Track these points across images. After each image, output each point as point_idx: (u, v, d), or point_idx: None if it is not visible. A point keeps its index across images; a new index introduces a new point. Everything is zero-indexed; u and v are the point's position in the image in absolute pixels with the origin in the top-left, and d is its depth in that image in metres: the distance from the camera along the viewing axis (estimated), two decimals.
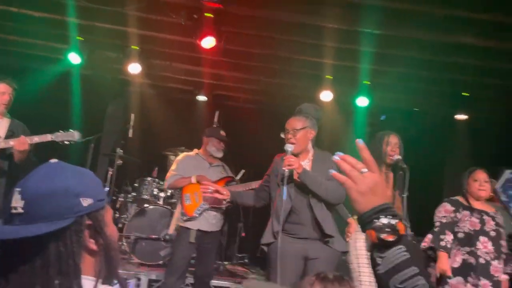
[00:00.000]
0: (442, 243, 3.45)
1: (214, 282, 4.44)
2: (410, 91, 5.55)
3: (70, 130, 3.37)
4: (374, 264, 0.91)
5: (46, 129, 3.43)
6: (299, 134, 2.99)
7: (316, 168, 3.00)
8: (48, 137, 3.33)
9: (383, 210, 0.92)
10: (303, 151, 3.05)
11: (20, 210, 0.94)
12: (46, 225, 0.94)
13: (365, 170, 0.95)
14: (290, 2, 3.99)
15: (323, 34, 4.31)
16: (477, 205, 3.54)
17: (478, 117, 5.57)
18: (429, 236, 3.51)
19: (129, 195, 5.32)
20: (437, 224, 3.52)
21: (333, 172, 1.01)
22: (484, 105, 5.54)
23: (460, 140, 5.77)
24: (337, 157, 0.98)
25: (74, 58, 5.03)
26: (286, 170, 2.85)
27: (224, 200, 3.30)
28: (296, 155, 2.98)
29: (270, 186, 3.13)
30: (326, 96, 5.40)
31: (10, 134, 3.42)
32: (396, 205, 3.31)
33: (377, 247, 0.91)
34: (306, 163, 3.03)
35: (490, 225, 3.46)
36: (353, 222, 3.33)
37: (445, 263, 3.40)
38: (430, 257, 3.49)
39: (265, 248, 3.01)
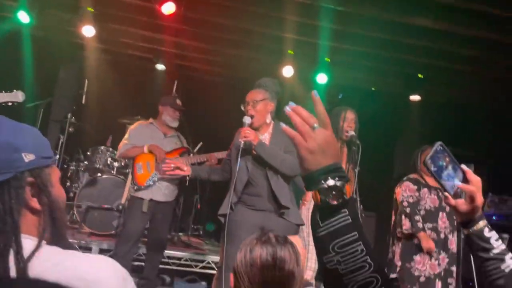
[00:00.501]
0: (420, 225, 3.54)
1: (167, 252, 4.45)
2: (368, 70, 5.64)
3: (14, 90, 3.17)
4: (315, 226, 0.85)
5: None
6: (258, 105, 3.01)
7: (275, 140, 3.04)
8: None
9: (332, 170, 0.85)
10: (263, 124, 3.08)
11: None
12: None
13: (317, 126, 0.87)
14: None
15: (285, 7, 4.27)
16: (431, 182, 3.67)
17: (431, 99, 5.77)
18: (405, 221, 3.56)
19: (81, 164, 5.17)
20: (405, 204, 3.59)
21: (284, 126, 0.93)
22: (438, 87, 5.74)
23: (412, 120, 5.97)
24: (288, 108, 0.90)
25: (23, 16, 4.70)
26: (242, 142, 2.89)
27: (186, 176, 3.25)
28: (256, 128, 3.01)
29: (231, 160, 3.14)
30: (287, 71, 5.40)
31: None
32: (349, 181, 3.42)
33: (320, 210, 0.85)
34: (265, 136, 3.06)
35: (445, 201, 3.63)
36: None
37: (429, 241, 3.50)
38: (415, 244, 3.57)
39: (221, 219, 3.04)
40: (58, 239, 1.00)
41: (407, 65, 5.31)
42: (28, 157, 0.95)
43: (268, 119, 3.10)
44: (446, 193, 1.16)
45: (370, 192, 4.71)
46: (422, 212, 3.60)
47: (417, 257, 3.53)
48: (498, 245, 1.12)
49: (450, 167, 1.16)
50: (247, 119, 2.97)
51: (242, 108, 3.08)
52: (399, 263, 3.57)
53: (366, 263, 0.82)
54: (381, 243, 5.70)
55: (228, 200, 2.98)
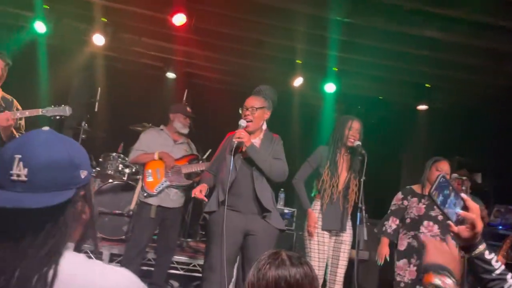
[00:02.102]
0: (383, 228, 3.78)
1: (176, 257, 4.52)
2: (376, 80, 5.70)
3: (63, 105, 3.37)
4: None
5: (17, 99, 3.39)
6: (257, 112, 3.15)
7: (264, 146, 3.17)
8: (38, 111, 3.34)
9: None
10: (257, 130, 3.20)
11: (24, 178, 0.93)
12: (51, 195, 0.95)
13: None
14: None
15: (294, 19, 4.35)
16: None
17: (438, 108, 5.81)
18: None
19: (93, 170, 5.28)
20: (388, 212, 3.81)
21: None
22: (445, 96, 5.78)
23: (419, 129, 6.00)
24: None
25: (40, 27, 4.85)
26: (235, 142, 3.00)
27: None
28: (250, 132, 3.14)
29: (218, 159, 3.26)
30: (297, 81, 5.50)
31: (1, 110, 3.35)
32: (351, 188, 3.49)
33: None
34: (256, 141, 3.18)
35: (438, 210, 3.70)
36: (312, 212, 3.47)
37: (382, 248, 3.69)
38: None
39: (207, 216, 3.12)
40: (92, 241, 1.09)
41: (415, 75, 5.36)
42: (83, 174, 1.02)
43: (263, 125, 3.23)
44: (449, 222, 1.22)
45: (377, 202, 4.76)
46: (408, 221, 3.75)
47: (399, 263, 3.67)
48: (498, 266, 1.19)
49: (452, 196, 1.22)
50: (243, 122, 3.10)
51: (240, 111, 3.21)
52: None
53: None
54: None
55: (216, 198, 3.06)
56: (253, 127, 3.14)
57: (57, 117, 3.37)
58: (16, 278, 0.90)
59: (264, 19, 4.52)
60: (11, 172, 0.94)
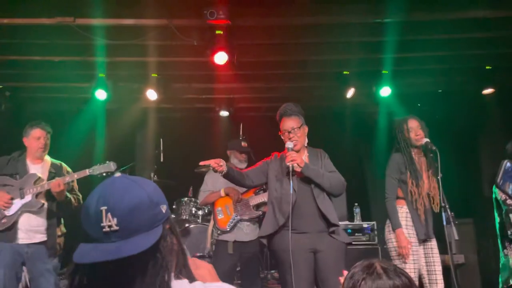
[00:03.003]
0: None
1: None
2: (432, 73, 5.47)
3: (107, 162, 3.53)
4: None
5: (84, 166, 3.62)
6: (299, 132, 3.14)
7: (313, 162, 3.15)
8: (86, 172, 3.53)
9: None
10: (301, 149, 3.18)
11: (116, 227, 0.98)
12: (144, 237, 1.00)
13: None
14: (296, 6, 4.02)
15: (338, 31, 4.33)
16: None
17: (505, 88, 5.42)
18: None
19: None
20: (509, 202, 3.43)
21: None
22: (509, 75, 5.39)
23: (491, 113, 5.61)
24: None
25: (101, 94, 5.19)
26: (291, 166, 2.95)
27: (221, 172, 3.11)
28: (297, 151, 3.11)
29: (268, 177, 3.20)
30: (349, 92, 5.40)
31: (53, 175, 3.61)
32: (433, 185, 3.29)
33: None
34: (304, 159, 3.13)
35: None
36: (402, 233, 3.24)
37: None
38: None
39: (264, 241, 3.06)
40: (183, 270, 1.13)
41: (472, 60, 5.08)
42: (163, 208, 1.08)
43: (306, 142, 3.22)
44: None
45: (461, 197, 4.45)
46: None
47: None
48: None
49: None
50: (290, 144, 3.07)
51: (282, 136, 3.18)
52: None
53: None
54: (485, 249, 5.29)
55: (272, 221, 3.02)
56: (298, 147, 3.13)
57: (104, 174, 3.51)
58: None
59: (303, 39, 4.53)
60: (102, 224, 0.99)
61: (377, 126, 5.86)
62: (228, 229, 3.98)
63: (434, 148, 3.21)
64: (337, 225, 3.00)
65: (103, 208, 0.99)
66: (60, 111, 5.88)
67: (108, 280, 0.99)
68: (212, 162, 3.01)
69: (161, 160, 5.37)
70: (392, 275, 1.18)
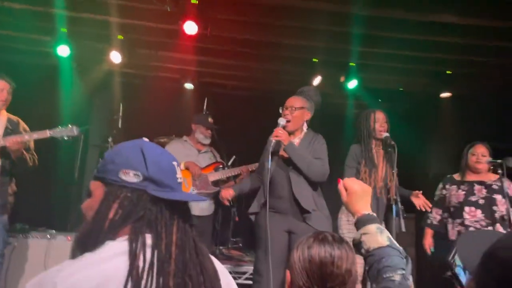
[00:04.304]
0: (428, 221, 3.83)
1: None
2: (396, 71, 5.62)
3: (69, 125, 3.40)
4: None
5: (37, 123, 3.45)
6: (296, 112, 3.10)
7: (303, 146, 3.12)
8: (46, 133, 3.37)
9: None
10: (297, 131, 3.15)
11: (180, 180, 1.19)
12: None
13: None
14: None
15: (309, 17, 4.33)
16: (471, 177, 3.68)
17: (462, 94, 5.68)
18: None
19: None
20: (432, 204, 3.70)
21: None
22: (469, 82, 5.63)
23: (445, 117, 5.88)
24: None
25: (63, 50, 4.96)
26: (273, 141, 2.96)
27: (229, 199, 3.32)
28: (289, 132, 3.09)
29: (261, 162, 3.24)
30: (316, 80, 5.46)
31: (9, 132, 3.43)
32: (389, 178, 3.44)
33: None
34: (295, 141, 3.14)
35: (480, 194, 3.59)
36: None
37: (426, 239, 3.65)
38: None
39: (252, 218, 3.11)
40: None
41: (434, 63, 5.26)
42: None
43: (303, 126, 3.17)
44: None
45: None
46: (452, 209, 3.70)
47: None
48: None
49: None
50: (282, 121, 3.06)
51: (280, 110, 3.17)
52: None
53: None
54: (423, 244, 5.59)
55: (258, 199, 3.10)
56: (292, 127, 3.09)
57: (65, 138, 3.39)
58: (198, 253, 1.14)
59: (278, 20, 4.50)
60: (177, 176, 1.17)
61: (343, 116, 5.97)
62: None
63: (393, 143, 3.35)
64: (308, 211, 2.98)
65: (175, 162, 1.19)
66: (14, 62, 5.53)
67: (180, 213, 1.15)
68: (225, 202, 3.27)
69: (119, 126, 5.22)
70: (339, 241, 1.36)
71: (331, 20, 4.32)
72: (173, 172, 1.15)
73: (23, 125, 3.60)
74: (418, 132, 6.11)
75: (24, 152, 3.43)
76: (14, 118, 3.59)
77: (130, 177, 1.09)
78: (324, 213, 3.10)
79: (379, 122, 3.49)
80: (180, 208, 1.13)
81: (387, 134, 3.43)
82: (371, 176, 3.39)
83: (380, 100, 6.22)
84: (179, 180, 1.16)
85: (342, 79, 5.48)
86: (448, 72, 5.47)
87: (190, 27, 4.24)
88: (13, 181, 3.59)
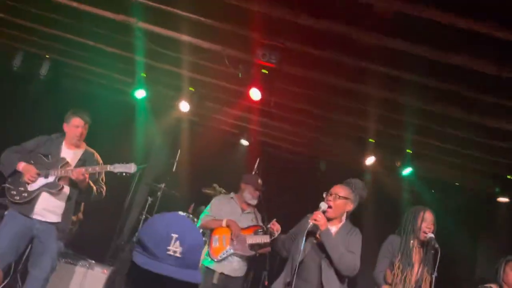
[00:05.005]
0: None
1: None
2: (453, 166, 5.50)
3: (128, 162, 3.63)
4: None
5: (107, 156, 3.72)
6: (339, 201, 3.11)
7: (340, 237, 3.07)
8: (106, 168, 3.63)
9: None
10: (336, 219, 3.14)
11: (178, 255, 1.12)
12: (196, 273, 1.14)
13: None
14: (339, 68, 4.13)
15: (368, 101, 4.44)
16: None
17: None
18: None
19: None
20: None
21: None
22: None
23: (499, 221, 5.60)
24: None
25: (140, 93, 5.45)
26: (311, 223, 2.96)
27: (273, 235, 3.53)
28: (328, 219, 3.07)
29: (292, 239, 3.27)
30: (369, 160, 5.49)
31: (81, 163, 3.72)
32: (424, 283, 3.27)
33: None
34: (333, 229, 3.10)
35: None
36: None
37: None
38: None
39: None
40: None
41: (495, 165, 5.11)
42: None
43: (343, 217, 3.17)
44: None
45: None
46: None
47: None
48: None
49: None
50: (323, 205, 3.06)
51: (324, 195, 3.19)
52: None
53: None
54: None
55: (283, 278, 3.04)
56: (332, 214, 3.08)
57: (123, 174, 3.60)
58: None
59: (338, 98, 4.64)
60: (168, 247, 1.12)
61: (393, 200, 5.80)
62: (219, 259, 4.01)
63: (436, 246, 3.21)
64: None
65: (175, 235, 1.13)
66: (94, 94, 6.07)
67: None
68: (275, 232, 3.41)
69: (173, 170, 5.47)
70: None
71: (384, 105, 4.41)
72: (164, 242, 1.13)
73: (97, 157, 3.87)
74: (468, 232, 5.84)
75: (91, 183, 3.67)
76: (91, 150, 3.89)
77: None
78: None
79: (426, 222, 3.36)
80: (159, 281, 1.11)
81: (432, 235, 3.30)
82: (404, 273, 3.24)
83: (433, 191, 6.07)
84: (169, 253, 1.13)
85: (398, 164, 5.45)
86: (509, 177, 5.28)
87: (255, 94, 4.47)
88: (81, 209, 3.84)
